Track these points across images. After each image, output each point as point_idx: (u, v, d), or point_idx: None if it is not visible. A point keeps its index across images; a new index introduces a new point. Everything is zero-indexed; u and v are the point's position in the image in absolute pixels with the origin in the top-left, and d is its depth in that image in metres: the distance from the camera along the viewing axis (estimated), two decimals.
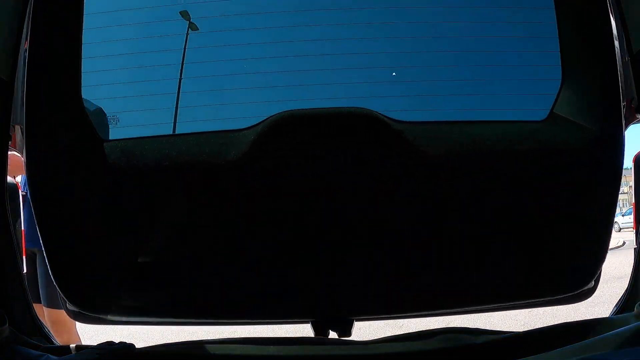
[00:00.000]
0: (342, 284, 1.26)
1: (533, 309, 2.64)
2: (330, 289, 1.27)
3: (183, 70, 1.32)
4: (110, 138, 1.28)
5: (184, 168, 1.21)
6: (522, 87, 1.35)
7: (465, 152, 1.20)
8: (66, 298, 1.24)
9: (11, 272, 1.21)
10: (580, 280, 1.24)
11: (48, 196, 1.22)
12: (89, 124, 1.23)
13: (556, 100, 1.24)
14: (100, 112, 1.43)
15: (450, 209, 1.23)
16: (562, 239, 1.24)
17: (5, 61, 1.17)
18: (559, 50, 1.23)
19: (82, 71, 1.21)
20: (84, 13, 1.22)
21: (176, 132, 1.30)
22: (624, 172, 1.29)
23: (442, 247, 1.25)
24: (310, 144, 1.22)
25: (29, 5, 1.19)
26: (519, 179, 1.22)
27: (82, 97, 1.22)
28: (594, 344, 0.94)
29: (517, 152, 1.20)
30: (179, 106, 1.31)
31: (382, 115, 1.21)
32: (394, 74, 1.36)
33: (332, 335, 1.30)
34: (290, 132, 1.22)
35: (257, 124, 1.21)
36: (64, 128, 1.23)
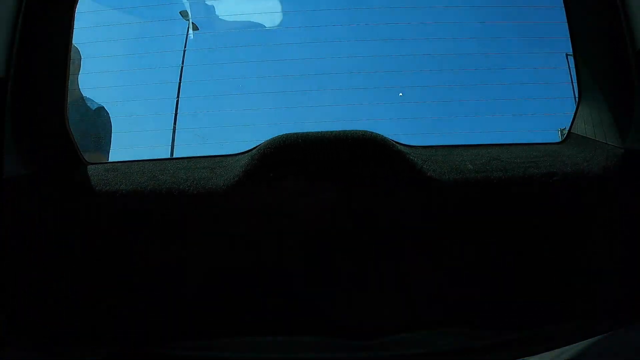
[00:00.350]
0: (342, 308, 1.18)
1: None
2: (330, 314, 1.18)
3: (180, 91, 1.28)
4: (112, 134, 1.24)
5: (171, 193, 1.14)
6: (534, 109, 1.32)
7: (480, 177, 1.13)
8: (30, 335, 1.15)
9: (7, 272, 1.20)
10: (617, 307, 1.13)
11: (22, 218, 1.16)
12: (72, 146, 1.20)
13: (574, 120, 1.20)
14: (102, 110, 1.44)
15: (467, 235, 1.15)
16: (591, 261, 1.15)
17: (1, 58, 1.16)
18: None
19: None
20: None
21: (173, 156, 1.24)
22: None
23: (453, 272, 1.17)
24: (311, 170, 1.14)
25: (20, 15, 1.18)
26: (542, 202, 1.15)
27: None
28: (594, 344, 0.94)
29: (537, 176, 1.13)
30: (176, 128, 1.26)
31: (389, 139, 1.14)
32: (400, 94, 1.31)
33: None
34: (289, 157, 1.13)
35: (251, 149, 1.16)
36: (46, 148, 1.19)
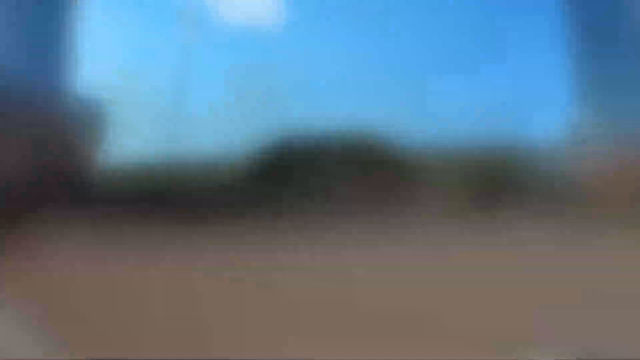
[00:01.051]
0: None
1: None
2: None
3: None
4: (112, 134, 1.24)
5: (170, 193, 1.14)
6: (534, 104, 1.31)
7: (480, 177, 1.12)
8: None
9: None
10: None
11: (22, 218, 1.15)
12: (72, 146, 1.19)
13: (573, 120, 1.20)
14: (98, 103, 1.44)
15: (466, 235, 1.15)
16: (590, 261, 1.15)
17: None
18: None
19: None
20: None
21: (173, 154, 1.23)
22: None
23: (452, 271, 1.16)
24: (311, 170, 1.14)
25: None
26: (542, 202, 1.14)
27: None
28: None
29: (537, 176, 1.13)
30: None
31: (389, 140, 1.15)
32: (400, 94, 1.31)
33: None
34: (289, 157, 1.14)
35: (249, 149, 1.16)
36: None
